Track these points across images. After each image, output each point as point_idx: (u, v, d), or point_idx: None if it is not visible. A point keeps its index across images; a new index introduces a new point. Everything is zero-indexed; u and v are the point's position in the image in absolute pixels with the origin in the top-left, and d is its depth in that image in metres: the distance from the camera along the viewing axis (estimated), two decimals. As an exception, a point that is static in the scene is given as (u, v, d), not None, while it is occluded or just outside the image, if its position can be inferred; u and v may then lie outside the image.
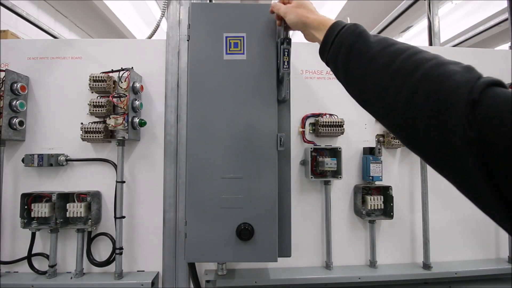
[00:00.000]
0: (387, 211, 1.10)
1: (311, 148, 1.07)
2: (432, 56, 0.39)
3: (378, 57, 0.44)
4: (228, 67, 0.83)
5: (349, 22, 0.56)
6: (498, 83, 0.33)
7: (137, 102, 1.04)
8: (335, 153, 1.10)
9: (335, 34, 0.54)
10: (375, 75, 0.44)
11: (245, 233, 0.78)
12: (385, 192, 1.11)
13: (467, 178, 0.32)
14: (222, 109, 0.82)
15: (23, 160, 1.04)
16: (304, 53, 1.17)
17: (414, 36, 5.17)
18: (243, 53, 0.83)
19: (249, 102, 0.82)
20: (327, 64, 0.59)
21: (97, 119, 1.07)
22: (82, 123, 1.04)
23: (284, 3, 0.73)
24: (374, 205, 1.08)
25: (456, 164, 0.33)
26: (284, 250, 0.84)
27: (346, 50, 0.50)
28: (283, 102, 0.86)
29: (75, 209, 1.01)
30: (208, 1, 1.14)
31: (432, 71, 0.36)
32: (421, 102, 0.36)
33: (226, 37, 0.83)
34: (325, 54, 0.58)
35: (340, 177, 1.07)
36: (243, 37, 0.83)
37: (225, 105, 0.82)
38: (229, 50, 0.83)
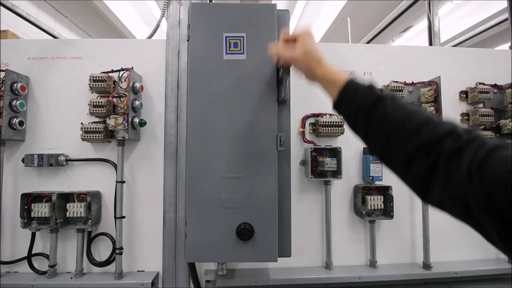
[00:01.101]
0: (387, 211, 1.10)
1: (311, 148, 1.07)
2: (448, 128, 0.44)
3: (399, 130, 0.48)
4: (228, 67, 0.83)
5: (361, 78, 0.57)
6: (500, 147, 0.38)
7: (137, 102, 1.04)
8: (335, 153, 1.10)
9: (351, 95, 0.55)
10: (398, 147, 0.48)
11: (245, 233, 0.78)
12: (385, 192, 1.11)
13: (474, 223, 0.39)
14: (222, 109, 0.82)
15: (23, 160, 1.04)
16: (304, 53, 1.17)
17: (414, 36, 5.16)
18: (243, 53, 0.83)
19: (249, 102, 0.82)
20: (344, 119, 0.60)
21: (97, 119, 1.07)
22: (82, 123, 1.04)
23: (286, 40, 0.69)
24: (374, 205, 1.08)
25: (462, 213, 0.40)
26: (284, 250, 0.84)
27: (365, 117, 0.52)
28: (283, 102, 0.86)
29: (75, 209, 1.01)
30: (208, 1, 1.14)
31: (449, 147, 0.42)
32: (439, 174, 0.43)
33: (226, 37, 0.83)
34: (340, 112, 0.58)
35: (340, 177, 1.07)
36: (243, 37, 0.83)
37: (225, 105, 0.82)
38: (229, 50, 0.83)
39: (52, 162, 1.03)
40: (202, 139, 0.81)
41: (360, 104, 0.53)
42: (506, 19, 1.66)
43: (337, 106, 0.58)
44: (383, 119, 0.50)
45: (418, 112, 0.48)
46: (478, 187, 0.36)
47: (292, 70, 0.75)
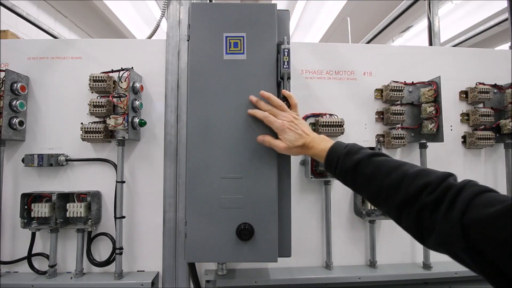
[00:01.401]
0: (387, 211, 1.10)
1: (311, 148, 1.07)
2: (422, 182, 0.49)
3: (381, 190, 0.55)
4: (228, 67, 0.83)
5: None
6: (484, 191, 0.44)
7: (137, 102, 1.04)
8: (335, 153, 1.10)
9: (334, 165, 0.65)
10: (384, 203, 0.57)
11: (245, 233, 0.78)
12: (385, 192, 1.11)
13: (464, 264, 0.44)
14: (222, 109, 0.82)
15: (23, 160, 1.04)
16: (304, 53, 1.17)
17: (414, 36, 5.16)
18: (243, 53, 0.83)
19: (249, 102, 0.82)
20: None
21: (97, 119, 1.07)
22: (82, 123, 1.04)
23: (275, 110, 0.78)
24: (374, 205, 1.09)
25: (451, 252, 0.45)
26: (284, 250, 0.84)
27: (350, 180, 0.62)
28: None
29: (75, 209, 1.01)
30: (208, 1, 1.15)
31: (427, 200, 0.48)
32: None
33: (226, 37, 0.83)
34: (333, 175, 0.68)
35: (340, 177, 1.07)
36: (243, 37, 0.83)
37: (225, 105, 0.82)
38: (229, 50, 0.83)
39: (52, 162, 1.03)
40: (202, 139, 0.81)
41: (344, 170, 0.63)
42: (506, 19, 1.66)
43: (327, 170, 0.69)
44: (363, 181, 0.58)
45: (394, 167, 0.55)
46: (461, 235, 0.40)
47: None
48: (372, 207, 1.08)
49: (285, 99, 0.81)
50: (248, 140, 0.81)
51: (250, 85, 0.82)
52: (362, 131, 1.17)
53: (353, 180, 0.61)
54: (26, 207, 1.01)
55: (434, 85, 1.11)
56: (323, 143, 0.70)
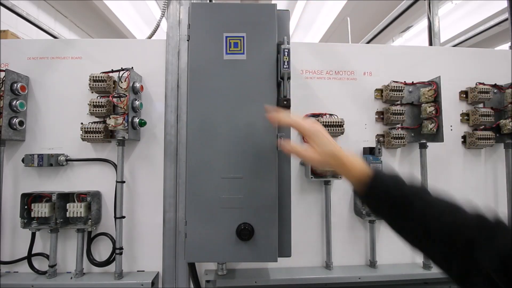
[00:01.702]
0: (387, 211, 1.10)
1: (311, 148, 1.07)
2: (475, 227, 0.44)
3: (432, 232, 0.47)
4: (228, 67, 0.83)
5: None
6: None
7: (137, 102, 1.04)
8: (335, 153, 1.10)
9: (379, 194, 0.54)
10: (431, 247, 0.48)
11: (245, 233, 0.78)
12: (385, 192, 1.10)
13: None
14: (222, 109, 0.82)
15: (23, 160, 1.04)
16: (304, 53, 1.17)
17: (414, 36, 5.16)
18: (243, 53, 0.83)
19: (249, 102, 0.82)
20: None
21: (97, 119, 1.07)
22: (82, 123, 1.04)
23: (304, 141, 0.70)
24: (374, 205, 1.08)
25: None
26: (284, 250, 0.84)
27: (395, 216, 0.52)
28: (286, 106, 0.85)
29: (75, 209, 1.01)
30: (208, 1, 1.14)
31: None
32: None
33: (226, 37, 0.83)
34: (370, 206, 0.58)
35: (340, 177, 1.07)
36: (243, 37, 0.83)
37: (225, 105, 0.82)
38: (229, 50, 0.83)
39: (52, 162, 1.03)
40: (202, 139, 0.81)
41: (391, 203, 0.52)
42: (506, 19, 1.66)
43: (366, 200, 0.57)
44: (415, 220, 0.49)
45: (446, 208, 0.48)
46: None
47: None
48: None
49: (286, 101, 0.81)
50: (248, 140, 0.81)
51: (250, 85, 0.82)
52: (362, 131, 1.17)
53: (399, 217, 0.51)
54: (26, 207, 1.01)
55: (434, 85, 1.11)
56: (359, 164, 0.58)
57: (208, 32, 0.84)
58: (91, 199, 1.04)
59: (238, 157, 0.81)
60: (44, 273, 1.03)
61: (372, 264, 1.12)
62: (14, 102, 1.01)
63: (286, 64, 0.80)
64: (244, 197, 0.80)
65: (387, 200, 0.52)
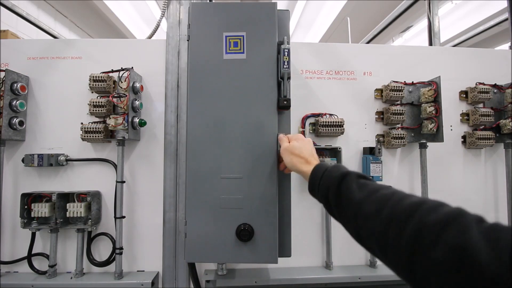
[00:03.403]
0: (387, 211, 1.10)
1: (311, 148, 1.07)
2: (418, 200, 0.41)
3: (366, 203, 0.47)
4: (228, 67, 0.83)
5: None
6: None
7: (137, 102, 1.04)
8: (335, 153, 1.10)
9: (319, 178, 0.61)
10: (367, 221, 0.46)
11: (244, 233, 0.78)
12: (385, 192, 1.10)
13: None
14: (222, 109, 0.82)
15: (23, 160, 1.04)
16: (304, 53, 1.17)
17: (414, 36, 5.16)
18: (243, 52, 0.83)
19: (248, 102, 0.82)
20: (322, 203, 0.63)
21: (97, 119, 1.07)
22: (82, 123, 1.04)
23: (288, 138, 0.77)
24: (374, 205, 1.08)
25: None
26: (284, 250, 0.84)
27: (333, 196, 0.55)
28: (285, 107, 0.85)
29: (75, 209, 1.01)
30: (208, 1, 1.14)
31: (425, 219, 0.38)
32: (435, 255, 0.35)
33: (226, 36, 0.83)
34: (315, 194, 0.65)
35: (340, 177, 1.07)
36: (243, 36, 0.83)
37: (225, 105, 0.82)
38: (229, 50, 0.83)
39: (52, 162, 1.03)
40: (202, 139, 0.81)
41: (328, 181, 0.58)
42: (506, 19, 1.66)
43: (311, 186, 0.64)
44: (350, 194, 0.51)
45: (383, 187, 0.49)
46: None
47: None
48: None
49: (286, 101, 0.80)
50: (248, 140, 0.81)
51: (250, 85, 0.82)
52: (362, 131, 1.17)
53: (337, 197, 0.55)
54: (26, 207, 1.01)
55: (434, 85, 1.11)
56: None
57: (208, 31, 0.84)
58: (91, 199, 1.04)
59: (238, 157, 0.81)
60: (44, 273, 1.03)
61: (372, 264, 1.12)
62: (14, 102, 1.01)
63: (286, 64, 0.80)
64: (244, 197, 0.80)
65: (329, 178, 0.58)
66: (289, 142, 0.74)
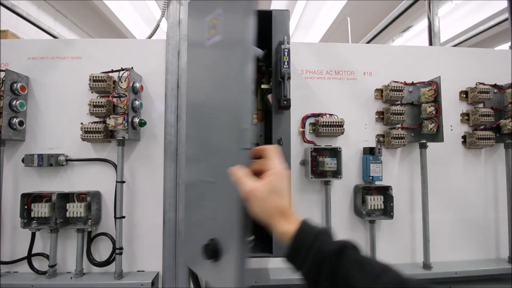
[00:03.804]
0: (387, 211, 1.10)
1: (311, 148, 1.07)
2: None
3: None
4: (211, 54, 0.67)
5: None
6: None
7: (137, 102, 1.04)
8: (335, 153, 1.10)
9: (308, 247, 0.48)
10: None
11: (207, 250, 0.58)
12: (385, 192, 1.11)
13: None
14: (203, 97, 0.70)
15: (23, 160, 1.04)
16: (304, 53, 1.17)
17: (414, 36, 5.16)
18: (220, 34, 0.64)
19: (224, 85, 0.62)
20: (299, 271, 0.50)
21: (97, 119, 1.07)
22: (82, 123, 1.04)
23: (255, 170, 0.53)
24: (374, 205, 1.08)
25: None
26: (285, 250, 0.83)
27: (327, 276, 0.45)
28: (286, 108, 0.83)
29: (75, 209, 1.01)
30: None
31: None
32: None
33: (207, 20, 0.67)
34: (295, 262, 0.51)
35: (340, 177, 1.07)
36: (219, 14, 0.64)
37: (206, 92, 0.68)
38: (209, 35, 0.66)
39: (52, 162, 1.03)
40: (189, 135, 0.78)
41: (321, 257, 0.45)
42: (506, 19, 1.66)
43: (293, 253, 0.50)
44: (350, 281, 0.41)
45: (385, 269, 0.41)
46: None
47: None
48: (372, 207, 1.08)
49: (286, 101, 0.79)
50: (220, 126, 0.65)
51: (225, 68, 0.62)
52: (362, 131, 1.17)
53: (334, 270, 0.44)
54: (26, 207, 1.01)
55: (434, 85, 1.11)
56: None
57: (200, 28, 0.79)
58: (91, 199, 1.04)
59: (213, 152, 0.65)
60: (44, 273, 1.03)
61: (372, 264, 1.11)
62: (14, 102, 1.01)
63: (286, 64, 0.80)
64: (216, 206, 0.62)
65: (323, 247, 0.46)
66: (260, 177, 0.52)
